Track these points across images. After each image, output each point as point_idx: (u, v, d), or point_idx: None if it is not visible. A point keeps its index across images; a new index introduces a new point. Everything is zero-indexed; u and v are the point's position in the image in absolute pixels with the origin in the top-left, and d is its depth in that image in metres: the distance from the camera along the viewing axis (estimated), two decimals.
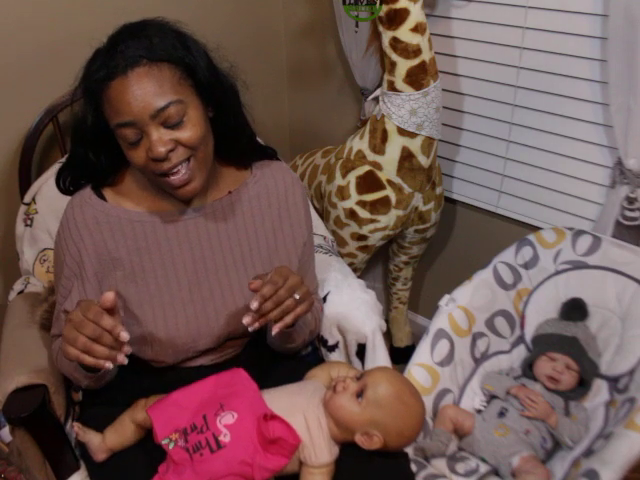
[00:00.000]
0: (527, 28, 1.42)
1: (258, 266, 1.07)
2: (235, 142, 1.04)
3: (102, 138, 0.95)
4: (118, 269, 1.00)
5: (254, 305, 0.87)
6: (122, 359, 0.82)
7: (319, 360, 1.21)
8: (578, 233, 1.39)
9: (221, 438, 0.88)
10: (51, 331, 1.06)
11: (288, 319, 0.90)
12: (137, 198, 1.03)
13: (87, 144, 0.97)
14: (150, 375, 1.04)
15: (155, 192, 1.02)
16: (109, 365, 0.81)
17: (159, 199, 1.03)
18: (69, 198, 1.15)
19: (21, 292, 1.25)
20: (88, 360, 0.80)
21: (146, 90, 0.87)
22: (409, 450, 1.05)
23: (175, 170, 0.92)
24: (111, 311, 0.83)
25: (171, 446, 0.88)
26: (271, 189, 1.10)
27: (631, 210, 1.35)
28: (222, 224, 1.05)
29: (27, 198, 1.29)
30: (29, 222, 1.27)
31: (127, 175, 1.04)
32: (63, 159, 1.32)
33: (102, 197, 1.02)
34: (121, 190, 1.03)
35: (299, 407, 0.94)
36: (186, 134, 0.90)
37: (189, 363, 1.06)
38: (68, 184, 1.04)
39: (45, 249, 1.26)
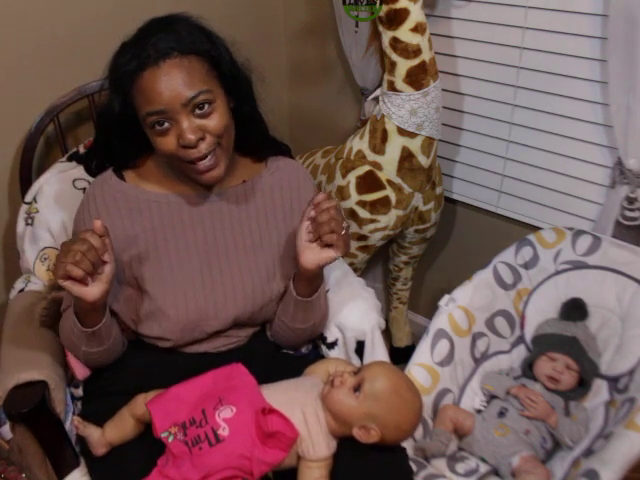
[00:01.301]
0: (527, 28, 1.42)
1: (267, 253, 1.11)
2: (252, 133, 1.09)
3: (127, 127, 1.00)
4: (132, 247, 1.04)
5: (311, 213, 0.97)
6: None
7: (318, 357, 1.22)
8: (578, 233, 1.39)
9: (220, 432, 0.89)
10: (62, 306, 1.09)
11: (338, 241, 0.95)
12: (157, 181, 1.08)
13: (112, 132, 1.04)
14: (153, 361, 1.06)
15: (175, 177, 1.08)
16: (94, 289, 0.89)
17: (178, 183, 1.08)
18: (73, 197, 1.21)
19: (22, 291, 1.25)
20: (76, 272, 0.85)
21: (178, 80, 0.92)
22: (409, 450, 1.05)
23: (202, 156, 0.96)
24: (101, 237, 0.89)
25: (170, 439, 0.89)
26: (284, 183, 1.14)
27: (631, 210, 1.35)
28: (235, 210, 1.10)
29: (28, 197, 1.29)
30: (30, 221, 1.28)
31: (149, 160, 1.10)
32: (64, 158, 1.33)
33: (122, 178, 1.08)
34: (142, 173, 1.09)
35: (297, 401, 0.94)
36: (213, 122, 0.95)
37: (194, 348, 1.08)
38: (94, 167, 1.12)
39: (46, 248, 1.27)
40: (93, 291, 0.90)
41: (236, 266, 1.08)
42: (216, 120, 0.96)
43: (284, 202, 1.13)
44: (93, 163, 1.13)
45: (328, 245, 0.97)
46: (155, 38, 0.93)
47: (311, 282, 1.06)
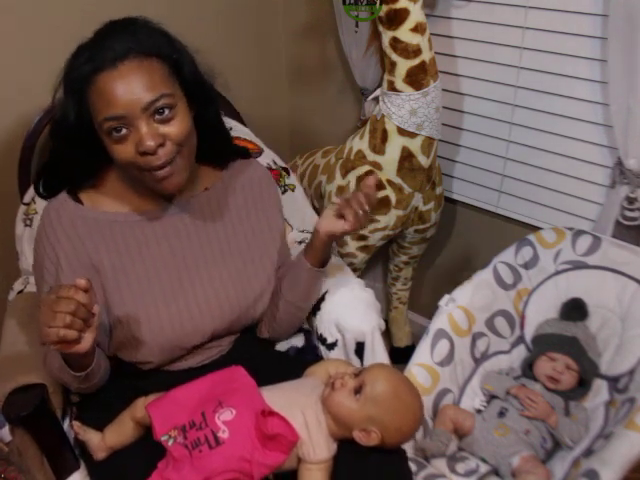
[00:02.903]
0: (527, 28, 1.42)
1: (237, 260, 1.09)
2: (214, 141, 1.06)
3: (83, 136, 0.93)
4: (100, 272, 1.00)
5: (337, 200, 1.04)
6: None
7: (318, 358, 1.21)
8: (578, 233, 1.39)
9: (220, 434, 0.89)
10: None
11: (351, 216, 1.01)
12: (116, 198, 1.03)
13: (68, 142, 0.95)
14: (140, 380, 1.04)
15: (136, 192, 1.03)
16: (86, 344, 0.82)
17: (138, 198, 1.03)
18: None
19: (21, 292, 1.25)
20: (70, 335, 0.79)
21: (137, 83, 0.87)
22: (409, 450, 1.05)
23: (161, 164, 0.92)
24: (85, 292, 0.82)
25: (170, 442, 0.89)
26: (245, 185, 1.13)
27: (631, 210, 1.35)
28: (199, 220, 1.07)
29: (27, 198, 1.29)
30: (29, 222, 1.27)
31: (109, 176, 1.04)
32: None
33: (78, 200, 1.01)
34: (101, 191, 1.03)
35: (297, 404, 0.94)
36: (174, 128, 0.91)
37: (176, 366, 1.06)
38: (42, 189, 1.03)
39: None
40: (85, 344, 0.83)
41: (206, 277, 1.05)
42: (177, 126, 0.91)
43: (247, 204, 1.12)
44: (41, 184, 1.02)
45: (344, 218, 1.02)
46: (112, 39, 0.88)
47: (321, 251, 1.09)
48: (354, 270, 1.62)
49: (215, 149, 1.09)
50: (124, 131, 0.88)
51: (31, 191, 1.28)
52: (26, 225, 1.28)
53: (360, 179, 1.52)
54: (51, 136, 0.99)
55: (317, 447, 0.91)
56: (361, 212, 1.01)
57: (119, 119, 0.87)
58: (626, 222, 1.36)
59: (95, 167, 1.02)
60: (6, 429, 1.03)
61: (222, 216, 1.09)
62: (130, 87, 0.86)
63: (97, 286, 0.99)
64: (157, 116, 0.89)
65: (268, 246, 1.13)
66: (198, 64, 0.98)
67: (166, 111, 0.89)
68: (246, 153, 1.18)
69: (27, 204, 1.28)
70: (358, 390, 0.93)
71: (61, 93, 0.93)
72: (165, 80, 0.90)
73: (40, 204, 1.27)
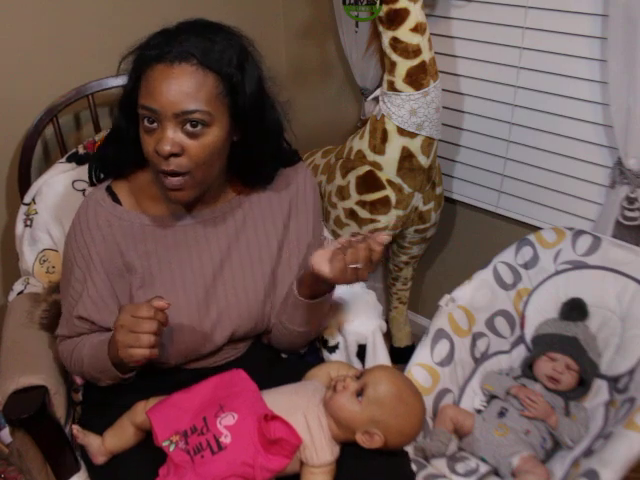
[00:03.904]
0: (527, 28, 1.42)
1: (267, 264, 1.08)
2: (253, 170, 1.04)
3: (133, 111, 0.94)
4: (131, 273, 1.01)
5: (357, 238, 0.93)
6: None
7: (320, 361, 1.21)
8: (578, 233, 1.39)
9: (222, 439, 0.88)
10: (57, 331, 1.06)
11: (340, 265, 0.89)
12: (152, 201, 1.03)
13: (126, 114, 0.97)
14: (151, 377, 1.04)
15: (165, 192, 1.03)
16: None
17: (172, 203, 1.03)
18: (72, 198, 1.16)
19: (21, 292, 1.24)
20: (154, 353, 0.85)
21: (182, 88, 0.87)
22: (409, 450, 1.05)
23: (170, 172, 0.92)
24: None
25: (172, 448, 0.88)
26: (282, 191, 1.10)
27: (631, 210, 1.35)
28: (231, 226, 1.06)
29: (27, 198, 1.29)
30: (29, 222, 1.27)
31: (145, 176, 1.04)
32: (63, 159, 1.32)
33: (116, 200, 1.03)
34: (138, 190, 1.04)
35: (299, 407, 0.93)
36: (197, 147, 0.90)
37: (191, 365, 1.06)
38: (95, 175, 1.06)
39: (45, 249, 1.26)
40: (153, 352, 0.87)
41: (230, 286, 1.05)
42: (201, 145, 0.90)
43: (282, 211, 1.09)
44: (94, 169, 1.06)
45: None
46: (185, 37, 0.89)
47: (308, 285, 1.01)
48: None
49: (253, 176, 1.05)
50: (154, 124, 0.90)
51: (31, 191, 1.28)
52: (26, 225, 1.27)
53: (360, 179, 1.52)
54: (118, 104, 1.01)
55: (320, 450, 0.90)
56: (351, 267, 0.89)
57: (152, 112, 0.89)
58: (626, 222, 1.36)
59: (138, 155, 0.99)
60: (6, 431, 1.03)
61: (254, 221, 1.07)
62: (174, 89, 0.87)
63: (125, 286, 1.01)
64: (187, 127, 0.89)
65: (292, 257, 1.10)
66: (265, 93, 0.98)
67: (198, 126, 0.89)
68: (291, 161, 1.12)
69: (27, 204, 1.28)
70: (360, 392, 0.93)
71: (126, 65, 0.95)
72: (211, 98, 0.89)
73: (41, 205, 1.27)
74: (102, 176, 1.07)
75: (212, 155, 0.92)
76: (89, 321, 1.01)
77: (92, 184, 1.08)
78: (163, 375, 1.04)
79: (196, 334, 1.02)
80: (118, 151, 1.02)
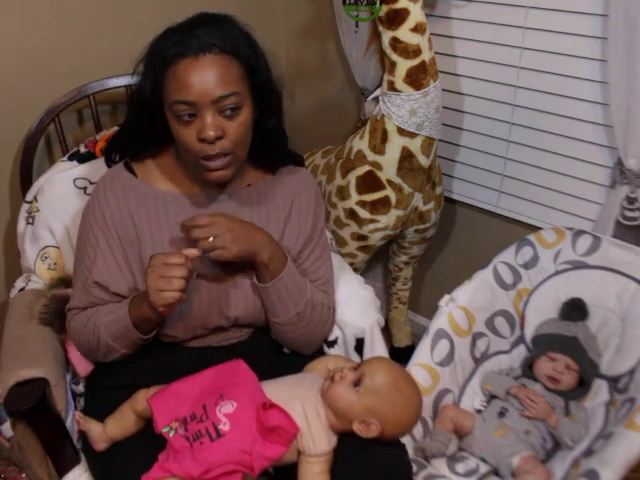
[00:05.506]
0: (527, 28, 1.42)
1: None
2: (269, 147, 1.10)
3: (151, 110, 1.00)
4: (140, 243, 1.05)
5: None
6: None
7: (319, 355, 1.21)
8: (578, 233, 1.39)
9: (221, 427, 0.89)
10: (69, 304, 1.09)
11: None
12: (168, 176, 1.09)
13: (139, 112, 1.04)
14: (155, 355, 1.06)
15: (187, 175, 1.09)
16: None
17: (189, 182, 1.09)
18: (74, 196, 1.20)
19: (22, 289, 1.25)
20: (184, 297, 0.91)
21: (213, 76, 0.93)
22: (409, 450, 1.05)
23: (215, 155, 0.97)
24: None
25: (171, 434, 0.89)
26: (285, 187, 1.15)
27: (631, 210, 1.35)
28: (239, 212, 1.10)
29: (29, 196, 1.30)
30: (31, 220, 1.28)
31: (167, 154, 1.10)
32: (65, 158, 1.33)
33: (133, 173, 1.09)
34: (156, 166, 1.10)
35: (297, 397, 0.94)
36: (235, 128, 0.97)
37: (196, 343, 1.09)
38: (114, 155, 1.13)
39: (46, 247, 1.27)
40: (182, 296, 0.93)
41: (237, 266, 1.08)
42: (238, 125, 0.97)
43: (285, 206, 1.14)
44: (113, 153, 1.13)
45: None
46: (201, 30, 0.94)
47: (257, 269, 1.05)
48: (354, 270, 1.61)
49: (269, 155, 1.12)
50: (190, 117, 0.95)
51: (33, 189, 1.29)
52: (28, 223, 1.28)
53: (360, 179, 1.52)
54: (129, 102, 1.09)
55: (317, 440, 0.91)
56: (210, 241, 0.98)
57: (189, 104, 0.94)
58: (626, 222, 1.36)
59: (156, 141, 1.08)
60: (7, 425, 1.03)
61: (260, 212, 1.12)
62: (206, 78, 0.93)
63: (135, 256, 1.05)
64: (223, 111, 0.95)
65: (290, 250, 1.13)
66: (272, 71, 1.04)
67: (232, 109, 0.96)
68: (299, 160, 1.20)
69: (29, 202, 1.29)
70: (357, 382, 0.94)
71: (142, 67, 1.00)
72: (238, 80, 0.96)
73: (42, 202, 1.27)
74: (117, 158, 1.13)
75: (247, 132, 1.00)
76: (103, 286, 1.04)
77: (108, 165, 1.15)
78: (166, 353, 1.07)
79: (203, 310, 1.05)
80: (136, 136, 1.08)
